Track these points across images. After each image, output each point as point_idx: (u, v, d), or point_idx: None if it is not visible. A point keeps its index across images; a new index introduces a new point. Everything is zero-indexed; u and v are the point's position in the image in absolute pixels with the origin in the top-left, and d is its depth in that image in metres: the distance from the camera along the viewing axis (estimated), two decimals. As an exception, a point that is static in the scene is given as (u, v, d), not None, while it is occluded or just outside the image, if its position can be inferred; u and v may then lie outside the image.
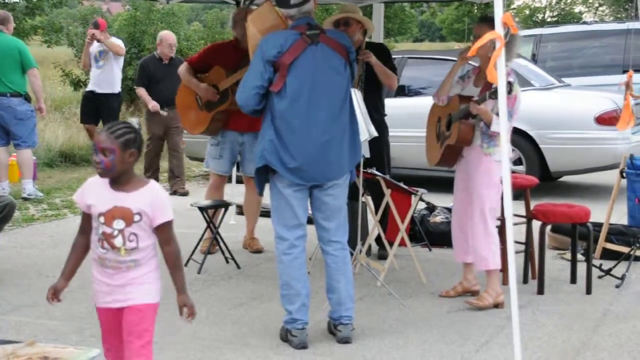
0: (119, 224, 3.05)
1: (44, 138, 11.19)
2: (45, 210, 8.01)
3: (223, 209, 6.11)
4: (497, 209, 4.94)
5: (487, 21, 4.67)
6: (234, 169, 6.73)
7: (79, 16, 18.76)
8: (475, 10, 26.47)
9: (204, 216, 5.98)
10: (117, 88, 9.83)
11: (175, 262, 3.16)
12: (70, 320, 4.74)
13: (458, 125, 4.92)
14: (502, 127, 3.69)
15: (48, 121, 12.65)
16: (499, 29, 3.61)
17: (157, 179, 8.54)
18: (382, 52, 5.95)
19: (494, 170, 4.80)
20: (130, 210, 3.05)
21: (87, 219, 3.16)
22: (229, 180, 6.87)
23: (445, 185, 7.11)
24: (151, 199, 3.06)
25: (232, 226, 6.96)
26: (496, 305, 4.86)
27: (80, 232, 3.22)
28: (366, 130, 5.00)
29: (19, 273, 5.71)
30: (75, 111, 13.78)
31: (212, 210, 6.06)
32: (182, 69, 6.18)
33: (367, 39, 5.80)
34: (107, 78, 9.76)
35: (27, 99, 8.46)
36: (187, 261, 5.87)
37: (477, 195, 4.87)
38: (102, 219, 3.06)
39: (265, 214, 6.06)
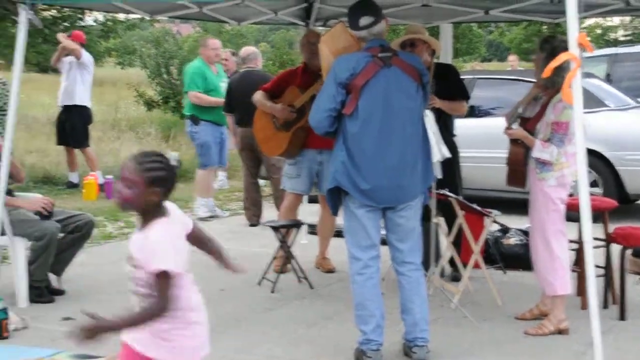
0: (129, 265, 2.87)
1: (120, 157, 11.48)
2: (122, 227, 8.20)
3: (295, 229, 6.18)
4: (562, 230, 4.84)
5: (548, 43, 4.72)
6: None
7: (151, 38, 19.22)
8: (545, 29, 26.14)
9: (276, 235, 6.04)
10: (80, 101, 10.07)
11: (139, 314, 2.77)
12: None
13: (510, 147, 4.92)
14: (578, 148, 3.67)
15: (123, 140, 12.99)
16: (573, 50, 3.59)
17: (259, 217, 8.30)
18: (451, 73, 5.95)
19: (551, 194, 4.75)
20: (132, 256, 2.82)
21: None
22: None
23: (516, 206, 7.04)
24: (142, 242, 2.77)
25: (303, 245, 7.02)
26: (559, 332, 4.77)
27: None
28: (438, 151, 5.00)
29: (98, 289, 5.86)
30: (149, 131, 14.13)
31: (285, 230, 6.12)
32: (257, 95, 6.26)
33: (435, 60, 5.81)
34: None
35: (194, 120, 8.62)
36: (261, 280, 5.96)
37: (538, 220, 4.82)
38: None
39: (339, 234, 6.10)
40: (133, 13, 6.41)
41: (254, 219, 8.28)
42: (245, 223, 8.32)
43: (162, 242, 2.74)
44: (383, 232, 4.47)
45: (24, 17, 4.80)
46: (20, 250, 5.40)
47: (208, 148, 8.63)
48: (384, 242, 4.42)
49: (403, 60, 4.38)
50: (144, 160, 2.75)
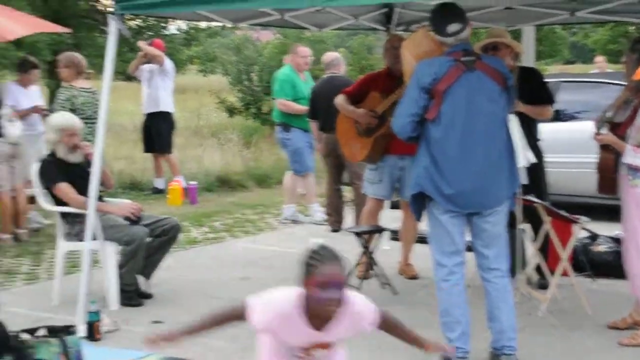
0: (319, 352, 2.96)
1: (203, 164, 11.68)
2: (206, 233, 8.34)
3: (378, 234, 6.17)
4: None
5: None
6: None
7: (232, 45, 19.49)
8: (632, 30, 25.39)
9: (359, 241, 6.04)
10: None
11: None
12: (235, 340, 4.91)
13: (600, 153, 4.79)
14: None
15: (206, 147, 13.21)
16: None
17: (340, 222, 8.30)
18: (535, 77, 5.84)
19: None
20: (332, 343, 2.96)
21: (245, 317, 3.00)
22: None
23: (605, 212, 6.86)
24: (351, 322, 2.92)
25: (385, 252, 6.99)
26: (653, 343, 4.62)
27: (230, 318, 3.09)
28: (523, 156, 4.92)
29: (184, 293, 5.98)
30: (231, 137, 14.33)
31: (367, 235, 6.12)
32: (339, 99, 6.27)
33: (517, 63, 5.72)
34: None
35: (285, 127, 8.70)
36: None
37: (631, 227, 4.69)
38: (297, 351, 2.95)
39: (422, 240, 6.06)
40: (216, 21, 6.51)
41: (336, 225, 8.29)
42: (327, 229, 8.34)
43: (365, 302, 3.03)
44: (468, 238, 4.42)
45: (113, 27, 4.93)
46: (110, 254, 5.55)
47: (301, 154, 8.68)
48: (469, 248, 4.37)
49: (487, 64, 4.34)
50: (339, 257, 2.85)
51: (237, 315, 3.00)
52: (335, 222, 8.32)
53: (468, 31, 4.38)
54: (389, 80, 6.03)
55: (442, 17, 4.39)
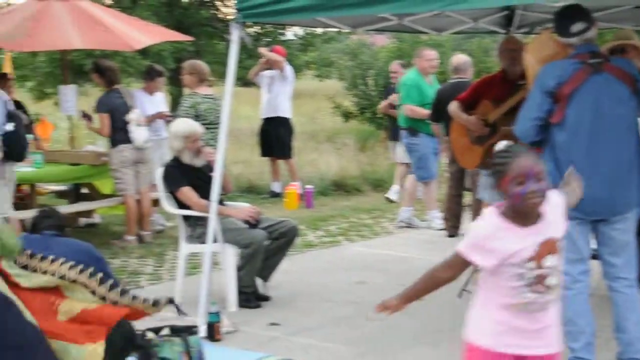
0: (551, 260, 2.81)
1: (319, 168, 11.78)
2: (322, 236, 8.40)
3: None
4: None
5: None
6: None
7: (348, 50, 19.58)
8: None
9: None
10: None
11: None
12: (351, 344, 4.92)
13: None
14: None
15: (321, 152, 13.32)
16: None
17: (458, 228, 8.10)
18: None
19: None
20: (555, 240, 2.82)
21: (464, 265, 2.92)
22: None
23: None
24: (558, 207, 2.84)
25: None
26: None
27: (450, 272, 3.01)
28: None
29: (302, 296, 6.03)
30: (346, 141, 14.40)
31: (486, 241, 5.99)
32: (452, 106, 6.20)
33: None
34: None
35: (413, 132, 8.60)
36: (461, 292, 5.87)
37: None
38: (531, 264, 2.79)
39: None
40: (335, 27, 6.55)
41: (453, 230, 8.18)
42: (444, 234, 8.25)
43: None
44: (593, 245, 4.27)
45: (236, 35, 5.04)
46: (230, 256, 5.67)
47: (427, 161, 8.57)
48: (594, 256, 4.22)
49: (615, 66, 4.18)
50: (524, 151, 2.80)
51: (456, 266, 2.96)
52: (452, 227, 8.21)
53: (594, 31, 4.23)
54: (503, 86, 5.89)
55: (566, 17, 4.27)
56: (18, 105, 8.55)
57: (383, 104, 10.59)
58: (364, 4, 4.64)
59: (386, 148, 12.10)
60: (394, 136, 10.25)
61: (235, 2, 5.07)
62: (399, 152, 10.01)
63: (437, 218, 8.66)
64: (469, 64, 8.19)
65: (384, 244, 8.04)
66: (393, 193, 10.25)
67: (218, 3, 17.11)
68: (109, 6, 14.02)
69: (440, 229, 8.43)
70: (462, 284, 5.87)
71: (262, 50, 10.45)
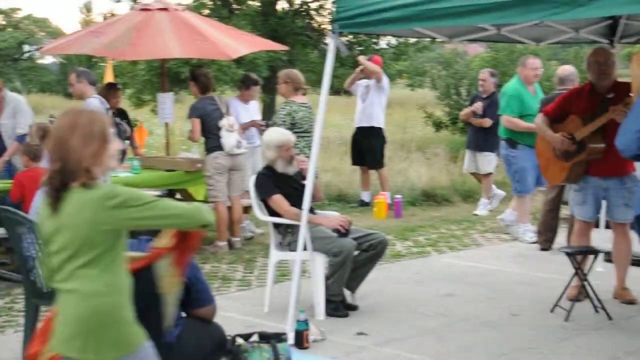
0: None
1: (409, 177, 11.72)
2: (411, 247, 8.36)
3: (592, 256, 5.89)
4: None
5: None
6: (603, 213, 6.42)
7: (441, 59, 19.44)
8: None
9: (571, 262, 5.80)
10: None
11: None
12: (438, 357, 4.88)
13: None
14: None
15: (412, 161, 13.25)
16: None
17: (551, 242, 7.98)
18: None
19: None
20: None
21: None
22: (596, 225, 6.60)
23: None
24: None
25: (599, 274, 6.66)
26: None
27: None
28: None
29: (390, 307, 6.01)
30: (437, 151, 14.29)
31: (581, 257, 5.86)
32: (538, 120, 6.08)
33: None
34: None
35: (512, 144, 8.43)
36: (554, 307, 5.75)
37: None
38: None
39: (636, 262, 5.72)
40: (431, 37, 6.51)
41: (546, 244, 8.01)
42: (536, 247, 8.09)
43: None
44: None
45: (332, 44, 5.08)
46: (319, 265, 5.70)
47: (524, 174, 8.38)
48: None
49: None
50: None
51: None
52: (545, 241, 8.03)
53: None
54: (591, 99, 5.74)
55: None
56: (123, 114, 8.84)
57: (465, 111, 10.42)
58: (463, 15, 4.60)
59: (462, 158, 11.93)
60: (472, 145, 10.12)
61: (333, 12, 5.11)
62: (482, 162, 9.91)
63: (528, 231, 8.48)
64: (574, 75, 7.94)
65: (473, 255, 7.95)
66: (481, 208, 10.11)
67: (313, 12, 17.26)
68: (207, 16, 14.33)
69: (532, 243, 8.26)
70: (555, 299, 5.76)
71: (361, 59, 10.44)
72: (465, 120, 10.75)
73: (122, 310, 3.01)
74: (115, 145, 3.12)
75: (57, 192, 2.98)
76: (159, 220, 3.04)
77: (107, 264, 2.98)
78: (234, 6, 16.91)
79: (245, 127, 8.53)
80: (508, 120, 8.31)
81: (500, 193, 10.39)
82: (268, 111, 14.84)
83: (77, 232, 2.95)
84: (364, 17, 4.91)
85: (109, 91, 8.48)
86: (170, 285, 3.40)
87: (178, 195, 9.06)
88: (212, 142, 7.95)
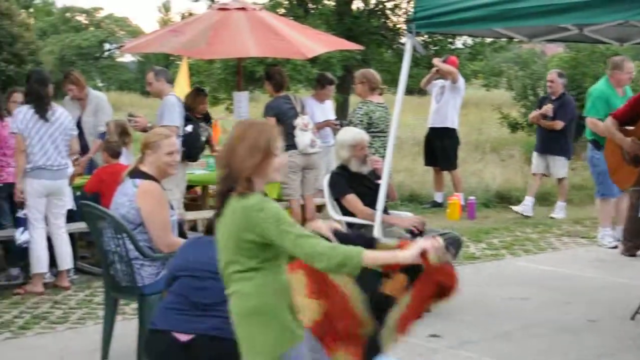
0: None
1: (483, 179, 11.58)
2: (484, 249, 8.25)
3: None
4: None
5: None
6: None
7: (518, 59, 19.11)
8: None
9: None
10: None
11: None
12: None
13: None
14: None
15: (486, 162, 13.08)
16: None
17: (634, 254, 7.77)
18: None
19: None
20: None
21: None
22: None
23: None
24: None
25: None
26: None
27: None
28: None
29: (463, 309, 5.94)
30: (512, 153, 14.07)
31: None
32: (607, 122, 5.94)
33: None
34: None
35: (597, 146, 8.08)
36: (634, 315, 5.60)
37: None
38: None
39: None
40: (510, 37, 6.41)
41: (632, 250, 7.76)
42: (614, 252, 7.89)
43: None
44: None
45: (409, 44, 5.07)
46: (392, 265, 5.67)
47: (607, 176, 8.20)
48: None
49: None
50: None
51: None
52: (632, 247, 7.78)
53: None
54: None
55: None
56: (207, 117, 8.99)
57: (534, 113, 10.18)
58: (545, 15, 4.52)
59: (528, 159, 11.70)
60: (542, 148, 9.90)
61: (410, 12, 5.10)
62: (553, 166, 9.71)
63: (608, 236, 8.27)
64: None
65: (549, 259, 7.80)
66: (558, 211, 9.91)
67: (388, 12, 17.20)
68: (283, 15, 14.44)
69: (611, 247, 8.06)
70: (636, 306, 5.61)
71: (436, 61, 10.35)
72: (534, 123, 10.55)
73: (273, 312, 3.08)
74: (282, 159, 3.21)
75: (223, 197, 3.12)
76: (289, 250, 3.06)
77: (257, 269, 3.07)
78: (310, 5, 16.97)
79: (320, 127, 8.56)
80: (592, 122, 8.09)
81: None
82: (341, 111, 14.84)
83: (230, 238, 3.09)
84: (441, 17, 4.88)
85: (196, 97, 8.65)
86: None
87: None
88: (287, 140, 7.97)
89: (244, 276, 3.08)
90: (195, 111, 8.16)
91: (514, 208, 9.95)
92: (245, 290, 3.09)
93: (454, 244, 5.82)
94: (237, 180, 3.08)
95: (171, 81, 7.72)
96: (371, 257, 2.99)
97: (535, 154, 10.12)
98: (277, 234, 3.02)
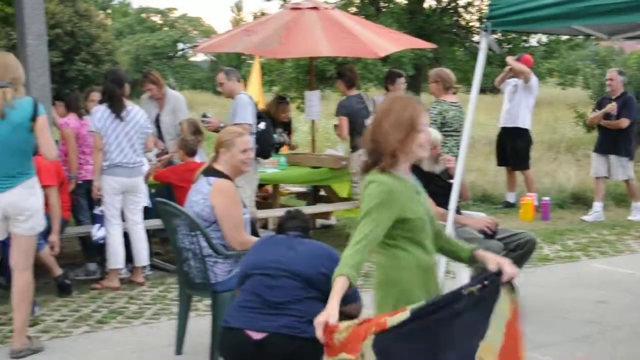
0: None
1: (556, 179, 11.36)
2: (559, 251, 8.09)
3: None
4: None
5: None
6: None
7: (595, 57, 18.66)
8: None
9: None
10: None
11: None
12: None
13: None
14: None
15: (561, 162, 12.82)
16: None
17: None
18: None
19: None
20: None
21: None
22: None
23: None
24: None
25: None
26: None
27: None
28: None
29: (537, 312, 5.84)
30: (587, 152, 13.75)
31: None
32: None
33: None
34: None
35: None
36: None
37: None
38: None
39: None
40: (588, 35, 6.25)
41: None
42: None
43: None
44: None
45: (484, 43, 5.00)
46: (463, 266, 5.60)
47: None
48: None
49: None
50: None
51: None
52: None
53: None
54: None
55: None
56: (287, 125, 9.06)
57: (595, 114, 9.88)
58: (627, 11, 4.37)
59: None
60: (604, 149, 9.63)
61: (485, 10, 5.04)
62: (616, 168, 9.44)
63: None
64: None
65: (627, 262, 7.60)
66: (635, 213, 9.64)
67: (461, 10, 17.02)
68: (354, 14, 14.43)
69: None
70: None
71: (509, 59, 10.19)
72: (594, 124, 10.26)
73: (400, 287, 3.20)
74: (426, 135, 3.21)
75: (366, 171, 3.20)
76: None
77: (389, 244, 3.20)
78: (381, 4, 16.94)
79: None
80: None
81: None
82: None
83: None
84: (518, 15, 4.79)
85: (278, 106, 8.71)
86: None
87: (322, 192, 9.19)
88: (358, 140, 7.99)
89: (380, 250, 3.22)
90: (277, 119, 8.27)
91: (585, 218, 9.67)
92: (380, 262, 3.25)
93: (524, 247, 5.73)
94: (381, 155, 3.12)
95: (241, 80, 7.79)
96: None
97: (594, 155, 9.84)
98: (361, 214, 3.10)
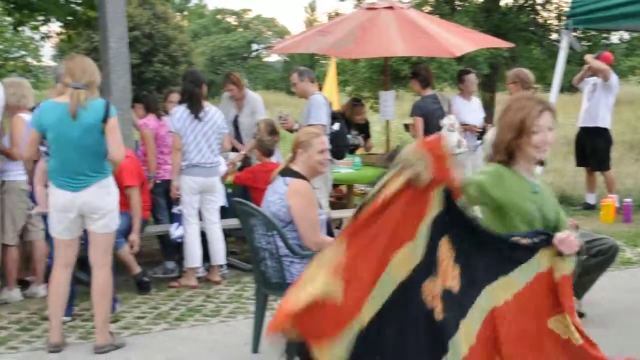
0: None
1: (638, 180, 11.05)
2: (643, 254, 7.87)
3: None
4: None
5: None
6: None
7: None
8: None
9: None
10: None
11: None
12: None
13: None
14: None
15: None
16: None
17: None
18: None
19: None
20: None
21: None
22: None
23: None
24: None
25: None
26: None
27: None
28: None
29: (620, 317, 5.70)
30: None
31: None
32: None
33: None
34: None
35: None
36: None
37: None
38: None
39: None
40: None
41: None
42: None
43: None
44: None
45: (565, 41, 4.91)
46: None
47: None
48: None
49: None
50: None
51: None
52: None
53: None
54: None
55: None
56: (364, 127, 9.06)
57: None
58: None
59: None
60: None
61: (563, 7, 4.94)
62: None
63: None
64: None
65: None
66: None
67: (538, 7, 16.68)
68: (429, 13, 14.32)
69: None
70: None
71: (588, 57, 9.95)
72: None
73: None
74: (542, 137, 3.31)
75: (489, 162, 3.45)
76: None
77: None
78: (456, 2, 16.75)
79: (464, 129, 8.44)
80: None
81: None
82: (487, 109, 14.56)
83: None
84: (600, 12, 4.69)
85: (353, 107, 8.70)
86: None
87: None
88: (434, 140, 7.92)
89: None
90: (352, 121, 8.28)
91: None
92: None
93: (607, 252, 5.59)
94: (499, 149, 3.31)
95: (314, 80, 7.81)
96: None
97: None
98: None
